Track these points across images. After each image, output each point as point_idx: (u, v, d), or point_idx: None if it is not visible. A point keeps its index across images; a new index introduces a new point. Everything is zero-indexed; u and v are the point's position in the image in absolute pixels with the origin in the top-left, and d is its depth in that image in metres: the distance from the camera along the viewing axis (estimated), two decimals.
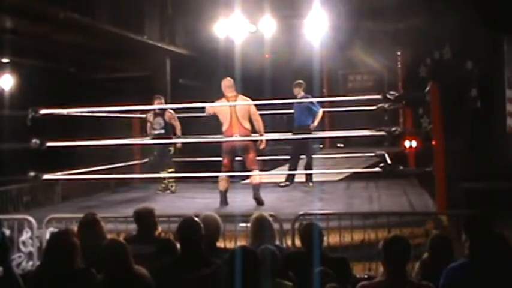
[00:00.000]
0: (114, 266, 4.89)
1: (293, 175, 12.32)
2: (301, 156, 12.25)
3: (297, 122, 12.14)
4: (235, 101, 10.11)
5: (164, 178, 12.08)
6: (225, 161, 10.15)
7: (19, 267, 8.34)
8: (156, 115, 11.96)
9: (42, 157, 9.97)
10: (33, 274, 5.28)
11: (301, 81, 12.11)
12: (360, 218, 8.27)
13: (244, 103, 10.16)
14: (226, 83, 10.21)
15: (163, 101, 12.10)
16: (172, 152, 12.04)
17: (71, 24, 12.97)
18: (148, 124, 12.11)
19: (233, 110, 10.05)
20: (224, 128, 10.10)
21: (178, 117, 12.07)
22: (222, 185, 10.21)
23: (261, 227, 6.01)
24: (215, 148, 11.18)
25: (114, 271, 4.89)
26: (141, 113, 12.97)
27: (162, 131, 11.92)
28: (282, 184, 12.32)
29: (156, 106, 11.82)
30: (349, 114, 13.19)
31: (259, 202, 10.01)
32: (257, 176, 10.23)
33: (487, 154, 14.52)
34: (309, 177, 12.27)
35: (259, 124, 10.31)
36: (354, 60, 20.42)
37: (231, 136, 9.99)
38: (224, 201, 10.17)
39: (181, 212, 7.97)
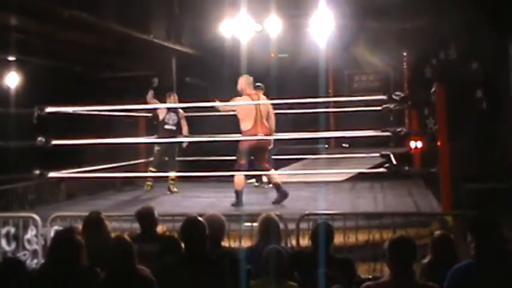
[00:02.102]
0: (119, 264, 4.91)
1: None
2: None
3: None
4: (258, 99, 10.04)
5: (152, 178, 12.04)
6: (243, 161, 9.92)
7: None
8: (169, 111, 11.91)
9: (48, 155, 9.99)
10: (37, 272, 5.29)
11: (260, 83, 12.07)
12: (365, 219, 8.27)
13: (267, 102, 10.11)
14: (248, 80, 10.06)
15: (176, 98, 12.03)
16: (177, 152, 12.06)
17: (76, 23, 12.96)
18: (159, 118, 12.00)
19: (258, 109, 9.96)
20: (248, 127, 9.91)
21: (186, 116, 12.08)
22: (240, 184, 10.01)
23: (268, 227, 6.00)
24: (218, 147, 11.20)
25: (118, 269, 4.91)
26: (147, 112, 12.98)
27: (174, 128, 11.90)
28: (256, 184, 12.47)
29: (170, 104, 11.83)
30: (355, 114, 13.18)
31: (279, 200, 10.00)
32: (276, 175, 10.21)
33: (492, 155, 14.51)
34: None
35: (273, 123, 10.30)
36: (359, 60, 20.37)
37: (255, 135, 9.90)
38: (241, 201, 9.99)
39: (186, 211, 7.98)
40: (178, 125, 11.94)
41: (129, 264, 4.89)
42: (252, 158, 10.12)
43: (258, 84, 11.91)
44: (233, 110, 10.24)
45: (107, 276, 4.89)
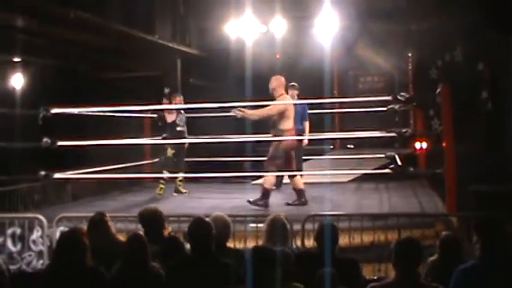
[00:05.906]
0: (134, 258, 5.07)
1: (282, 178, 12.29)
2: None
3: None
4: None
5: (163, 180, 11.99)
6: (280, 161, 9.89)
7: (29, 265, 8.38)
8: (179, 112, 11.89)
9: (53, 156, 10.00)
10: (43, 273, 5.31)
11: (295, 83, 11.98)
12: (370, 219, 8.28)
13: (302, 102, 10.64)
14: (282, 81, 10.08)
15: (182, 98, 11.97)
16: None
17: (81, 24, 12.98)
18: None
19: (295, 109, 10.24)
20: (290, 126, 9.91)
21: (193, 117, 12.09)
22: (272, 183, 10.02)
23: (276, 228, 5.99)
24: (226, 148, 11.19)
25: (133, 263, 5.05)
26: (152, 113, 12.96)
27: (184, 128, 11.91)
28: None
29: (179, 106, 11.83)
30: (360, 115, 13.17)
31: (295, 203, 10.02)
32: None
33: (498, 156, 14.46)
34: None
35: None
36: (364, 62, 20.36)
37: (294, 134, 10.02)
38: (268, 202, 9.91)
39: (192, 212, 7.98)
40: (186, 125, 11.96)
41: (145, 259, 5.06)
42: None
43: (292, 84, 11.78)
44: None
45: (121, 268, 5.03)
